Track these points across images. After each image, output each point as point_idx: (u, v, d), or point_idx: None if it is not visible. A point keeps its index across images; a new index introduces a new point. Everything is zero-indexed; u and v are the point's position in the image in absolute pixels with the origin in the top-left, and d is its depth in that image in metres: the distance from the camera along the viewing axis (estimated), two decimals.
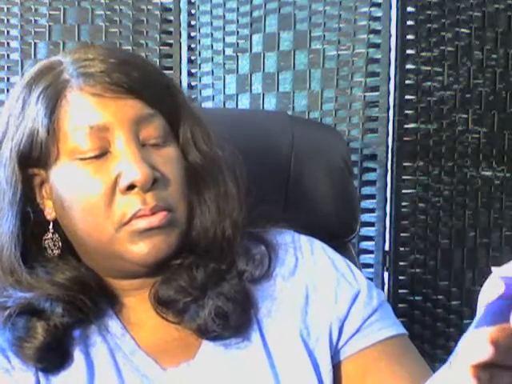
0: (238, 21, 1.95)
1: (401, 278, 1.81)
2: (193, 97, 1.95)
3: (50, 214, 0.93)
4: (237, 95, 1.95)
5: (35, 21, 1.97)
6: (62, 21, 1.96)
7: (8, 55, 1.98)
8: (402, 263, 1.81)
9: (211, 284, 0.92)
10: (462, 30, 1.82)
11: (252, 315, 0.93)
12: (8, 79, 1.97)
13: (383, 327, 0.95)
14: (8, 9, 1.96)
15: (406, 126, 1.80)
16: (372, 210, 1.81)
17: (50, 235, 0.93)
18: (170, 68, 1.98)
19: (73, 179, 0.89)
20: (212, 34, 1.99)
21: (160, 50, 2.00)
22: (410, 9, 1.78)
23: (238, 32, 1.95)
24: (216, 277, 0.93)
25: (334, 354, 0.94)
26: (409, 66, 1.79)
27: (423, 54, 1.80)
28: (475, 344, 0.47)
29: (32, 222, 0.92)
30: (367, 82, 1.82)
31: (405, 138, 1.80)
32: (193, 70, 2.02)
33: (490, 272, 0.52)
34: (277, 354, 0.92)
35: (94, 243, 0.91)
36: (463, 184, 1.84)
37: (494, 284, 0.51)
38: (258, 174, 0.97)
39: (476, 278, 1.85)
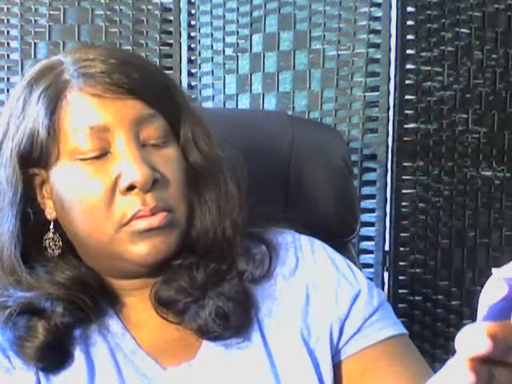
0: (238, 21, 1.95)
1: (401, 277, 1.82)
2: (193, 97, 1.95)
3: (50, 213, 0.93)
4: (237, 95, 1.95)
5: (35, 21, 1.97)
6: (62, 21, 1.96)
7: (8, 55, 1.98)
8: (401, 263, 1.81)
9: (211, 284, 0.92)
10: (462, 29, 1.82)
11: (252, 315, 0.93)
12: (8, 79, 1.97)
13: (384, 327, 0.96)
14: (8, 9, 1.96)
15: (406, 125, 1.80)
16: (372, 210, 1.81)
17: (50, 235, 0.93)
18: (170, 68, 1.98)
19: (73, 180, 0.89)
20: (212, 34, 1.99)
21: (160, 49, 2.00)
22: (409, 9, 1.78)
23: (238, 32, 1.95)
24: (216, 277, 0.93)
25: (335, 353, 0.94)
26: (409, 66, 1.79)
27: (423, 53, 1.80)
28: (473, 337, 0.47)
29: (32, 222, 0.92)
30: (367, 82, 1.82)
31: (405, 138, 1.80)
32: (193, 70, 2.02)
33: (490, 272, 0.52)
34: (277, 353, 0.92)
35: (94, 243, 0.91)
36: (463, 184, 1.84)
37: (497, 286, 0.50)
38: (258, 174, 0.97)
39: (476, 278, 1.85)
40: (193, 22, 2.01)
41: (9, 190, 0.90)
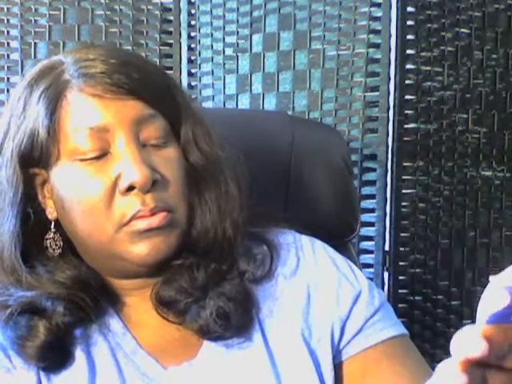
0: (238, 21, 1.95)
1: (401, 278, 1.81)
2: (193, 97, 1.95)
3: (51, 213, 0.93)
4: (237, 95, 1.95)
5: (35, 21, 1.96)
6: (62, 21, 1.96)
7: (8, 55, 1.97)
8: (401, 263, 1.81)
9: (212, 284, 0.92)
10: (462, 29, 1.82)
11: (253, 315, 0.93)
12: (8, 79, 1.97)
13: (385, 327, 0.96)
14: (8, 9, 1.96)
15: (406, 125, 1.80)
16: (372, 210, 1.81)
17: (51, 235, 0.93)
18: (170, 68, 1.98)
19: (73, 180, 0.89)
20: (212, 34, 1.99)
21: (160, 49, 2.00)
22: (409, 9, 1.78)
23: (238, 32, 1.95)
24: (217, 277, 0.93)
25: (336, 353, 0.94)
26: (409, 66, 1.79)
27: (423, 53, 1.80)
28: (468, 339, 0.47)
29: (33, 222, 0.92)
30: (367, 82, 1.82)
31: (405, 138, 1.80)
32: (193, 70, 2.02)
33: (490, 273, 0.51)
34: (278, 353, 0.92)
35: (95, 243, 0.91)
36: (463, 184, 1.84)
37: (499, 294, 0.50)
38: (258, 174, 0.97)
39: (476, 278, 1.85)
40: (193, 22, 2.01)
41: (9, 190, 0.90)
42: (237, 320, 0.91)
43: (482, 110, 1.84)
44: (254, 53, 1.93)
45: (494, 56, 1.85)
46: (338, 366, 0.94)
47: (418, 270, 1.82)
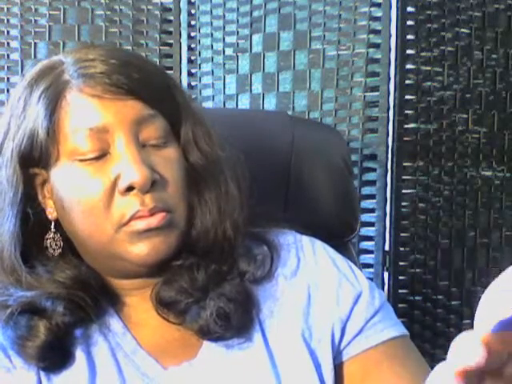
0: (238, 21, 1.95)
1: (401, 278, 1.81)
2: (193, 97, 1.95)
3: (51, 213, 0.93)
4: (237, 95, 1.95)
5: (35, 21, 1.96)
6: (62, 21, 1.96)
7: (8, 55, 1.97)
8: (401, 263, 1.81)
9: (212, 285, 0.92)
10: (462, 29, 1.82)
11: (254, 316, 0.93)
12: (8, 79, 1.97)
13: (385, 328, 0.96)
14: (8, 9, 1.96)
15: (406, 125, 1.80)
16: (372, 210, 1.81)
17: (51, 235, 0.93)
18: (170, 68, 1.98)
19: (72, 180, 0.89)
20: (212, 34, 1.99)
21: (160, 49, 2.00)
22: (409, 9, 1.78)
23: (238, 32, 1.95)
24: (217, 277, 0.93)
25: (336, 354, 0.94)
26: (409, 66, 1.79)
27: (423, 53, 1.80)
28: (467, 346, 0.46)
29: (33, 222, 0.92)
30: (367, 82, 1.82)
31: (405, 138, 1.80)
32: (193, 70, 2.02)
33: (490, 273, 0.51)
34: (278, 354, 0.92)
35: (95, 244, 0.91)
36: (463, 184, 1.84)
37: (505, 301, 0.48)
38: (259, 174, 0.97)
39: (476, 278, 1.85)
40: (193, 22, 2.01)
41: (9, 190, 0.90)
42: (237, 320, 0.91)
43: (481, 109, 1.84)
44: (253, 53, 1.93)
45: (494, 56, 1.85)
46: (338, 367, 0.94)
47: (418, 270, 1.82)
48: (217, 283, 0.92)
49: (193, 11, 2.00)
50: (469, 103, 1.83)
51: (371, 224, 1.81)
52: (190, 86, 2.01)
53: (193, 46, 2.01)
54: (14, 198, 0.90)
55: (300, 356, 0.92)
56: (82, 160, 0.88)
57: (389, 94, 1.79)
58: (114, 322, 0.93)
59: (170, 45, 2.00)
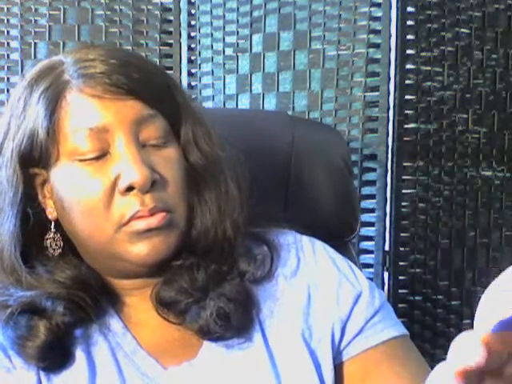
0: (238, 21, 1.95)
1: (401, 278, 1.81)
2: (193, 97, 1.95)
3: (51, 213, 0.93)
4: (237, 95, 1.95)
5: (35, 21, 1.97)
6: (62, 21, 1.96)
7: (8, 55, 1.98)
8: (401, 263, 1.81)
9: (212, 285, 0.92)
10: (462, 29, 1.82)
11: (254, 316, 0.93)
12: (8, 79, 1.97)
13: (385, 328, 0.96)
14: (8, 9, 1.96)
15: (406, 125, 1.80)
16: (372, 210, 1.81)
17: (51, 235, 0.93)
18: (170, 68, 1.98)
19: (72, 180, 0.89)
20: (212, 34, 1.99)
21: (160, 49, 2.00)
22: (410, 9, 1.78)
23: (238, 32, 1.95)
24: (217, 277, 0.93)
25: (336, 354, 0.94)
26: (409, 66, 1.79)
27: (423, 53, 1.80)
28: (466, 346, 0.46)
29: (33, 222, 0.92)
30: (367, 82, 1.82)
31: (405, 138, 1.80)
32: (193, 70, 2.02)
33: (490, 273, 0.51)
34: (278, 354, 0.92)
35: (95, 244, 0.91)
36: (463, 184, 1.84)
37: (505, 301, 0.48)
38: (258, 174, 0.97)
39: (476, 278, 1.85)
40: (193, 22, 2.01)
41: (9, 190, 0.90)
42: (237, 320, 0.91)
43: (482, 109, 1.84)
44: (254, 53, 1.93)
45: (494, 56, 1.85)
46: (338, 367, 0.94)
47: (418, 270, 1.82)
48: (217, 283, 0.92)
49: (193, 11, 2.00)
50: (469, 103, 1.83)
51: (371, 224, 1.81)
52: (189, 86, 2.01)
53: (193, 46, 2.01)
54: (14, 198, 0.90)
55: (300, 356, 0.92)
56: (81, 160, 0.88)
57: (389, 94, 1.79)
58: (114, 322, 0.93)
59: (170, 45, 2.00)
